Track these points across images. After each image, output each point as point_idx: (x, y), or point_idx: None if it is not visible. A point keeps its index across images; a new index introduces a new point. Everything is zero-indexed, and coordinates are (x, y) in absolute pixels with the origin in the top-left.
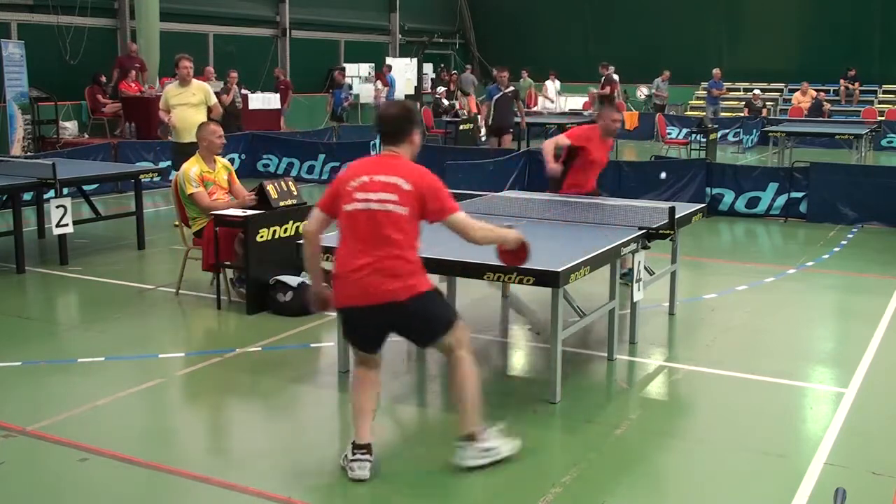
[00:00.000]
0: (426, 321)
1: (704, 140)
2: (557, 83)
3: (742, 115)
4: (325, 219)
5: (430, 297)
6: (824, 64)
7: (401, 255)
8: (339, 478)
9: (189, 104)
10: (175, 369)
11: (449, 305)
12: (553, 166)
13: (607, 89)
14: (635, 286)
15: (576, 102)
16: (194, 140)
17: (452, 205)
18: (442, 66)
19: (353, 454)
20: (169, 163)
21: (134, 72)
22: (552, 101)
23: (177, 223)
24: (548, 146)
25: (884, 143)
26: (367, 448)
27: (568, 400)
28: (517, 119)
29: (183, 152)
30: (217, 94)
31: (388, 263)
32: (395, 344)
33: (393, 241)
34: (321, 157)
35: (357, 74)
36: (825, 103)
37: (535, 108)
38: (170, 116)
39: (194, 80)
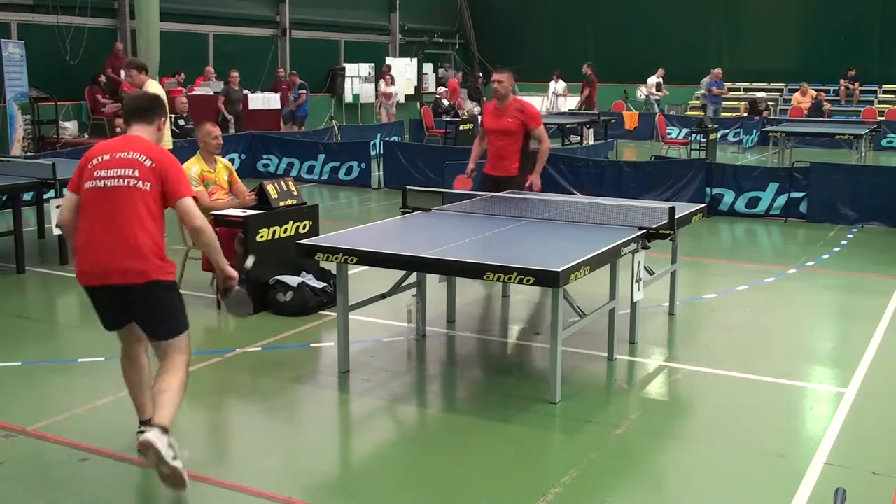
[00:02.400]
0: (162, 312)
1: (704, 140)
2: (562, 83)
3: (743, 115)
4: (76, 200)
5: (169, 288)
6: (824, 64)
7: (142, 233)
8: (339, 478)
9: None
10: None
11: (185, 313)
12: (469, 170)
13: (587, 91)
14: (635, 286)
15: (575, 102)
16: None
17: (186, 188)
18: (472, 71)
19: (140, 428)
20: None
21: (123, 71)
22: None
23: None
24: (474, 147)
25: (884, 143)
26: (149, 422)
27: (568, 400)
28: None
29: None
30: (218, 94)
31: (127, 242)
32: (395, 343)
33: (134, 219)
34: (321, 157)
35: (357, 74)
36: (825, 103)
37: None
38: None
39: (151, 82)
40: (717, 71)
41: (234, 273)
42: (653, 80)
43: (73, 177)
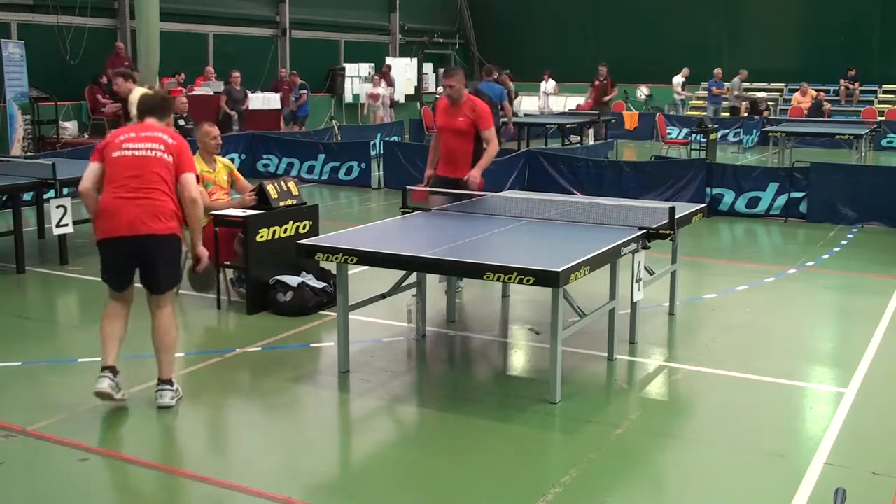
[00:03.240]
0: (170, 263)
1: (704, 140)
2: (552, 83)
3: (743, 115)
4: (99, 169)
5: (179, 245)
6: (824, 64)
7: (164, 196)
8: (339, 478)
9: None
10: (175, 369)
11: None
12: (427, 177)
13: (614, 91)
14: (635, 286)
15: (577, 102)
16: None
17: (192, 166)
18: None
19: (102, 374)
20: None
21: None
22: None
23: None
24: (431, 150)
25: (884, 143)
26: (110, 369)
27: (568, 400)
28: (504, 120)
29: None
30: (218, 94)
31: (154, 201)
32: (395, 343)
33: (159, 182)
34: (321, 157)
35: (357, 74)
36: (825, 103)
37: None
38: None
39: (137, 90)
40: (717, 70)
41: (204, 252)
42: (678, 79)
43: (97, 150)
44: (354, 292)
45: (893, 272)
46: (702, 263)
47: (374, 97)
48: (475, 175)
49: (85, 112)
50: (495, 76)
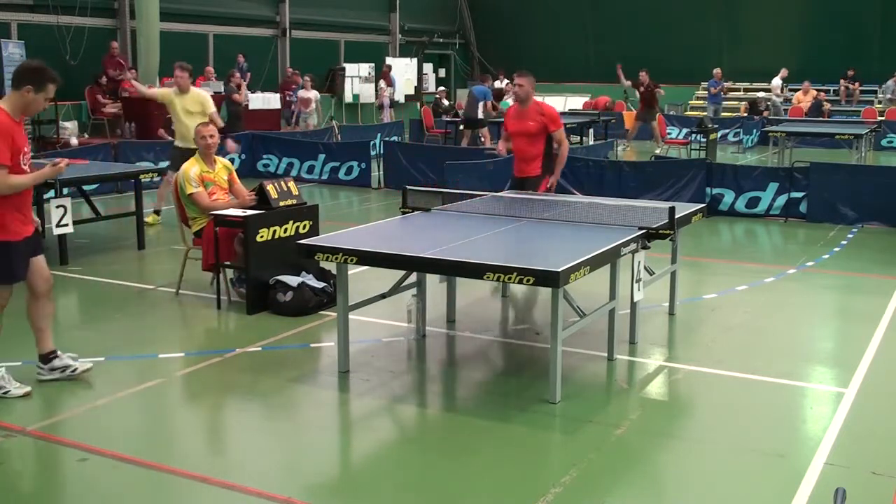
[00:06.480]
0: None
1: (704, 140)
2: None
3: (743, 115)
4: None
5: None
6: (824, 64)
7: None
8: (339, 478)
9: (187, 111)
10: (175, 369)
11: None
12: (500, 148)
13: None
14: (635, 286)
15: (576, 102)
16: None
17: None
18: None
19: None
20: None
21: (119, 71)
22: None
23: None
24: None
25: (884, 143)
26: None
27: (568, 400)
28: (480, 116)
29: (182, 157)
30: (226, 93)
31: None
32: (395, 343)
33: None
34: (321, 157)
35: (357, 74)
36: (825, 103)
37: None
38: (149, 90)
39: (193, 89)
40: (716, 70)
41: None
42: (777, 81)
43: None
44: (354, 292)
45: (893, 272)
46: (702, 263)
47: (304, 102)
48: (553, 183)
49: (85, 112)
50: (489, 82)
